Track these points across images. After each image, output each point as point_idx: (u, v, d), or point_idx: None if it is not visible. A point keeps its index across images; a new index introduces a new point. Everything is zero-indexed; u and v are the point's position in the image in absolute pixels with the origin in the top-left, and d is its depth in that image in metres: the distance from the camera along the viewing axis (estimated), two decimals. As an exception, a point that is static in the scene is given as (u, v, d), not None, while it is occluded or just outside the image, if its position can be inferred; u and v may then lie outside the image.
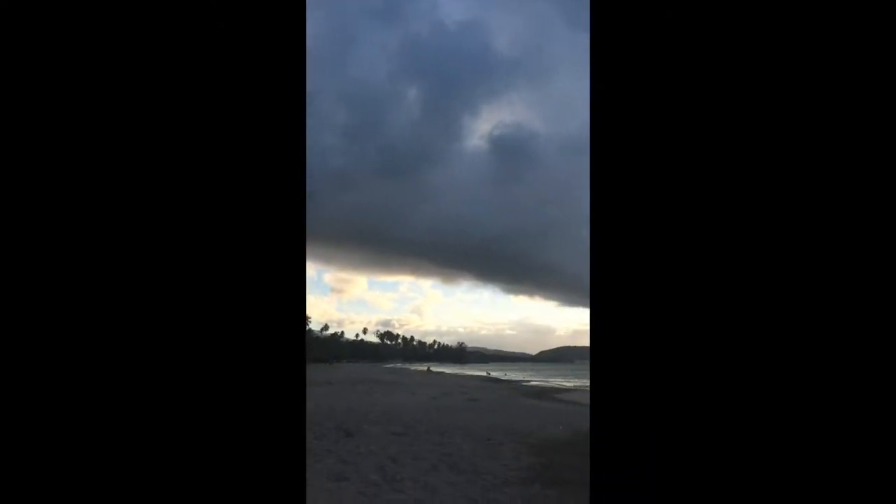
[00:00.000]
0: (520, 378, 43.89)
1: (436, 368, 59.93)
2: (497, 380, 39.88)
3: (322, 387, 19.07)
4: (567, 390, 25.92)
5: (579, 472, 6.24)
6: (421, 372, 47.00)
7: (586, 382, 36.40)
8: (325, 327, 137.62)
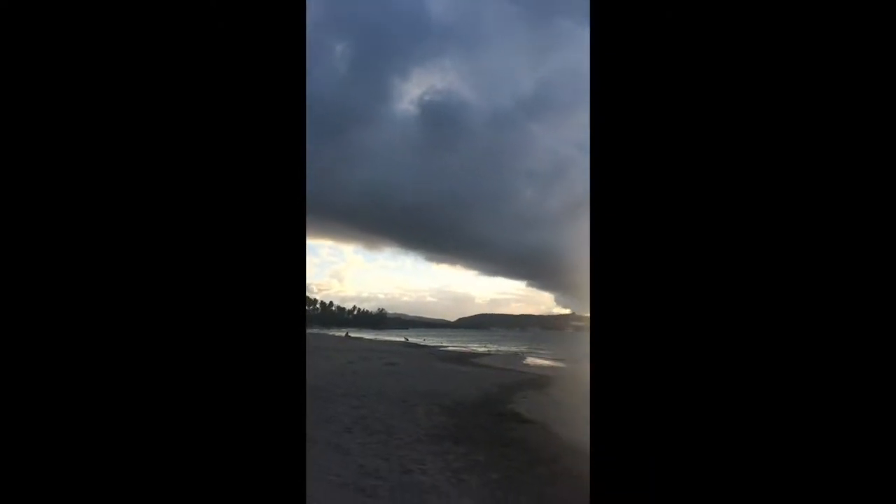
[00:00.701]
0: (437, 343, 45.06)
1: (354, 334, 59.64)
2: (415, 345, 40.62)
3: (233, 351, 18.15)
4: (481, 355, 27.09)
5: (486, 431, 6.63)
6: (339, 337, 46.55)
7: (500, 347, 38.24)
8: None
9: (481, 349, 34.68)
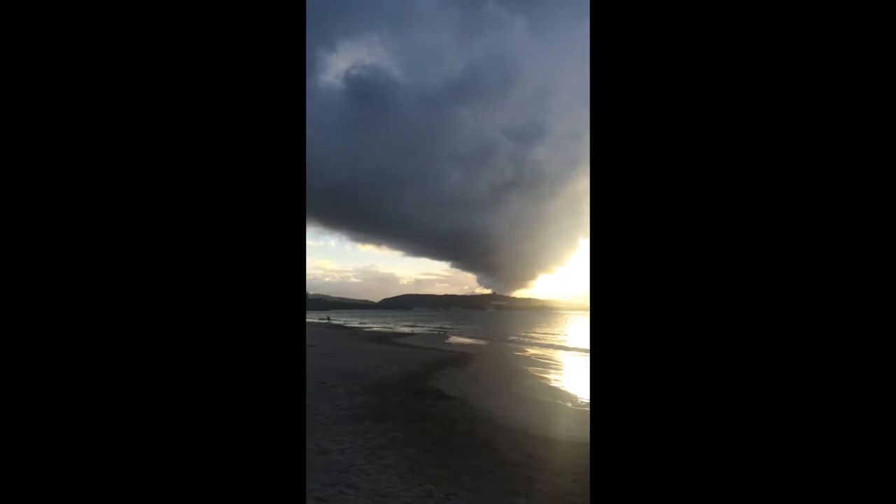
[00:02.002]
0: (360, 324, 44.64)
1: (273, 315, 57.06)
2: (337, 326, 39.97)
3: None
4: (404, 335, 27.30)
5: (406, 408, 6.74)
6: (256, 319, 44.30)
7: (423, 327, 38.73)
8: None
9: (404, 329, 34.91)
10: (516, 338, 27.53)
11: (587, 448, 4.59)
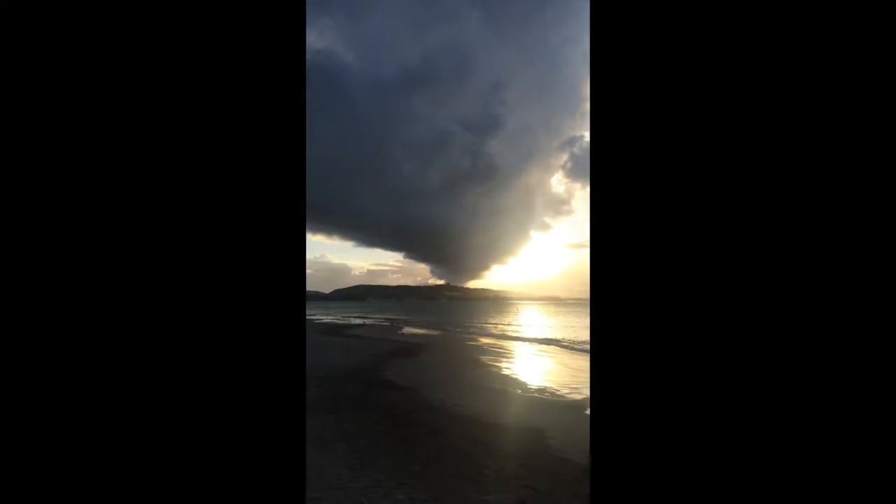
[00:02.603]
0: (312, 315, 43.75)
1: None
2: (287, 318, 38.81)
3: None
4: (357, 326, 27.02)
5: (357, 400, 6.71)
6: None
7: (376, 318, 38.46)
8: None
9: (356, 320, 34.56)
10: (469, 328, 27.91)
11: (534, 432, 4.78)
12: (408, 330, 24.66)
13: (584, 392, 8.25)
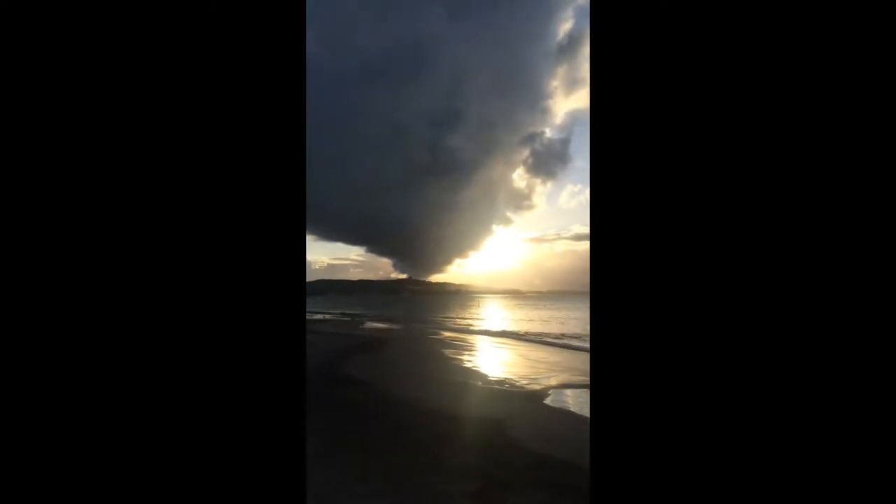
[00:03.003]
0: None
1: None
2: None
3: None
4: (317, 322, 26.59)
5: (319, 397, 6.64)
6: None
7: (337, 313, 37.94)
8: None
9: (318, 315, 33.99)
10: (431, 321, 28.00)
11: (494, 423, 4.90)
12: (370, 324, 24.50)
13: (543, 382, 8.49)
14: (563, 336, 19.46)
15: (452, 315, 35.73)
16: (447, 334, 19.19)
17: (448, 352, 12.90)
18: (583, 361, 11.80)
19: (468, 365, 10.62)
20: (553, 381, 8.61)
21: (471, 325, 25.12)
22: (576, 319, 30.72)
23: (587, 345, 16.09)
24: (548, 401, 6.97)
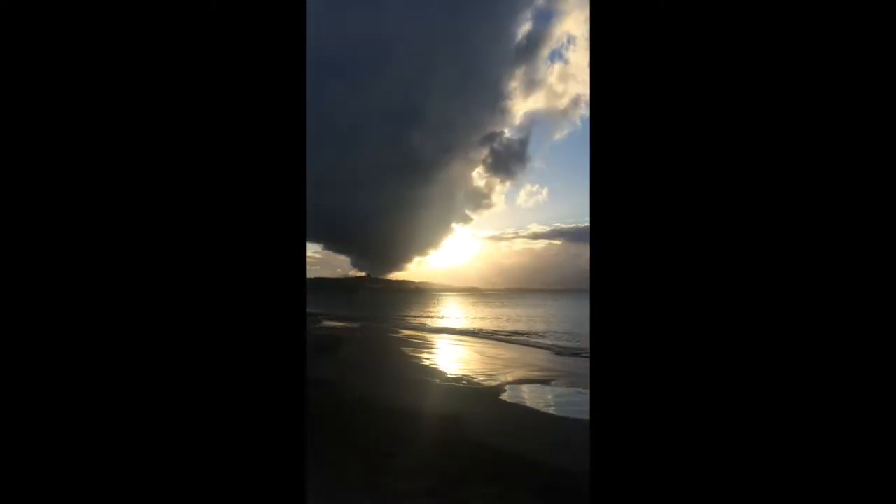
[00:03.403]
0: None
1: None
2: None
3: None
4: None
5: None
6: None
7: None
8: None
9: (273, 314, 32.98)
10: (389, 319, 27.85)
11: (451, 420, 4.91)
12: (327, 323, 24.07)
13: (500, 378, 8.60)
14: (520, 333, 19.80)
15: (412, 313, 35.67)
16: (406, 332, 19.13)
17: (407, 350, 12.87)
18: (539, 358, 12.06)
19: (426, 363, 10.63)
20: (510, 377, 8.74)
21: (430, 323, 25.17)
22: (533, 316, 31.36)
23: (544, 341, 16.47)
24: (504, 396, 7.08)
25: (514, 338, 17.69)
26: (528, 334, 19.22)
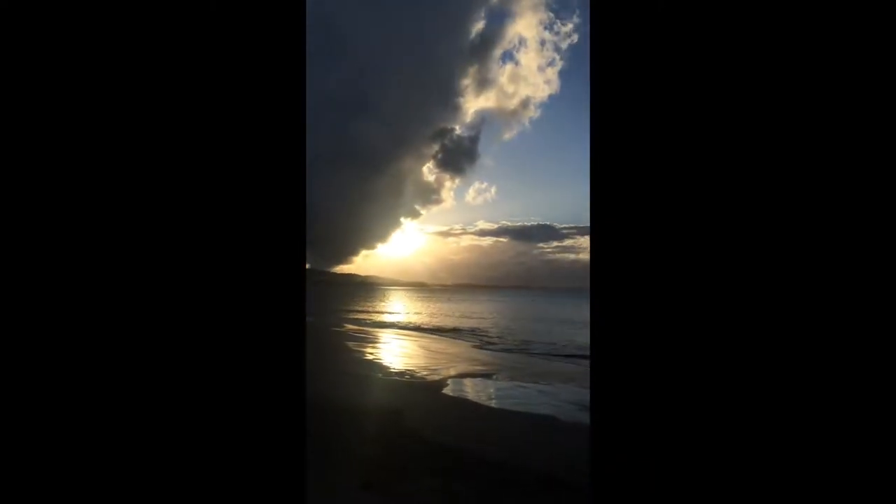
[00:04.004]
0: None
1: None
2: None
3: None
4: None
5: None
6: None
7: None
8: None
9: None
10: (334, 314, 27.35)
11: (393, 414, 4.90)
12: (267, 317, 23.24)
13: (442, 373, 8.69)
14: (465, 328, 20.06)
15: (357, 307, 35.20)
16: (350, 327, 18.87)
17: (350, 344, 12.70)
18: (482, 353, 12.28)
19: (370, 357, 10.54)
20: (452, 372, 8.85)
21: (376, 318, 24.96)
22: (479, 312, 31.85)
23: (488, 336, 16.77)
24: (446, 391, 7.15)
25: (459, 333, 17.89)
26: (472, 330, 19.50)
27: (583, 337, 16.84)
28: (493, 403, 6.49)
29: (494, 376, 8.61)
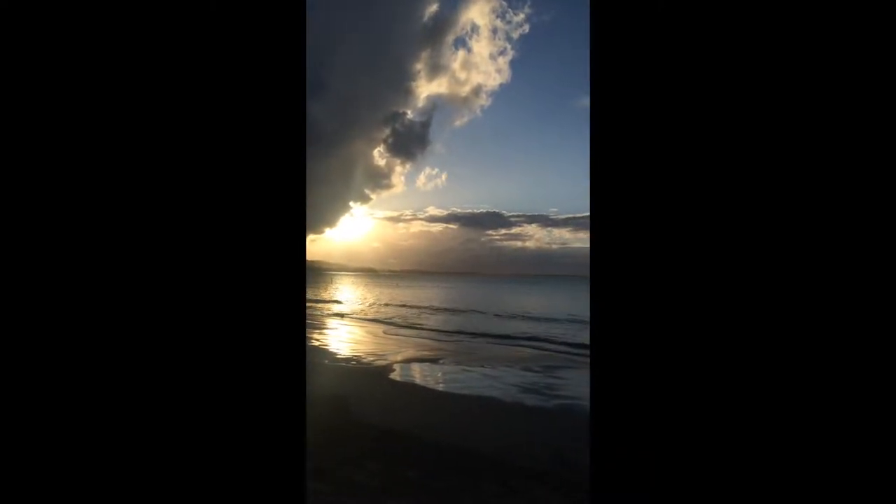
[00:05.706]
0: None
1: None
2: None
3: None
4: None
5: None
6: None
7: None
8: None
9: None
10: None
11: (339, 400, 4.88)
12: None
13: (388, 358, 8.72)
14: (412, 314, 20.14)
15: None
16: (296, 313, 18.44)
17: (295, 331, 12.44)
18: (430, 337, 12.41)
19: (316, 343, 10.40)
20: (399, 357, 8.90)
21: (323, 304, 24.55)
22: (427, 298, 32.04)
23: (434, 321, 16.95)
24: (393, 376, 7.20)
25: (408, 319, 17.95)
26: (421, 316, 19.62)
27: (511, 323, 17.34)
28: (440, 387, 6.61)
29: (441, 361, 8.75)
